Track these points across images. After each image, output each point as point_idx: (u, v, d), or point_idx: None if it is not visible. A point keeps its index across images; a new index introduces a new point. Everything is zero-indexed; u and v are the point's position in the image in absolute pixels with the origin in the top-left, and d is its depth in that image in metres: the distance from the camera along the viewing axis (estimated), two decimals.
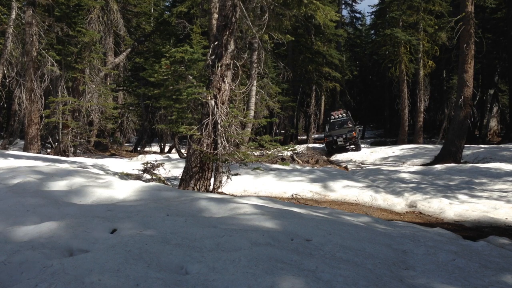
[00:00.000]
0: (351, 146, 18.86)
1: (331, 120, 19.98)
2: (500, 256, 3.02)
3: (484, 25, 23.30)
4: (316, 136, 34.16)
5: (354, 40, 40.48)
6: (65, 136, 13.01)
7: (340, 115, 19.93)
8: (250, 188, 7.39)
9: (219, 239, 2.66)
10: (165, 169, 7.84)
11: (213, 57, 5.69)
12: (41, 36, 12.22)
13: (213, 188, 5.93)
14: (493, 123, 26.24)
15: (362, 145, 20.85)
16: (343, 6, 32.02)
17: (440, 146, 15.59)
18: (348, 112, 21.34)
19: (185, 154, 12.01)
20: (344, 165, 14.50)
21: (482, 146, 18.38)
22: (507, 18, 21.66)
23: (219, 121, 5.57)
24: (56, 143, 13.64)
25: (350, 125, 19.24)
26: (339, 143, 18.08)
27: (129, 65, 21.75)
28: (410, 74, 23.61)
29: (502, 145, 17.96)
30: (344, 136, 18.19)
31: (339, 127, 19.26)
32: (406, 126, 23.14)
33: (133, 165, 9.41)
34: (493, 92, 25.93)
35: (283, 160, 12.35)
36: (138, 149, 20.26)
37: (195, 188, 5.66)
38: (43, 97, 12.45)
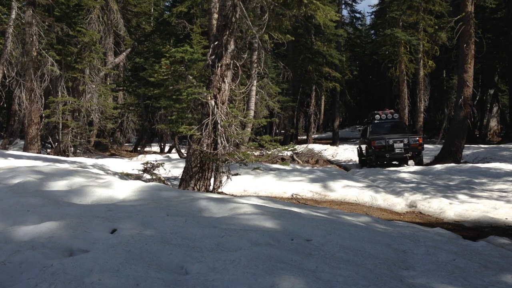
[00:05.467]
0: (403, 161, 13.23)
1: (376, 121, 14.52)
2: (500, 256, 3.02)
3: (484, 25, 23.32)
4: (316, 136, 34.17)
5: (354, 40, 40.52)
6: (65, 136, 13.01)
7: (390, 115, 14.58)
8: (250, 188, 7.39)
9: (219, 239, 2.66)
10: (165, 169, 7.84)
11: (213, 57, 5.69)
12: (41, 36, 12.22)
13: (213, 188, 5.93)
14: (493, 123, 26.26)
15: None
16: (343, 6, 32.01)
17: (440, 146, 15.60)
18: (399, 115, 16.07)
19: (185, 154, 12.01)
20: (344, 165, 14.51)
21: (482, 146, 18.39)
22: (507, 18, 21.66)
23: (219, 121, 5.57)
24: (56, 143, 13.64)
25: (405, 130, 14.07)
26: (397, 150, 12.45)
27: (129, 65, 21.77)
28: (410, 74, 23.62)
29: (502, 145, 17.97)
30: (405, 142, 12.56)
31: (390, 131, 13.84)
32: None
33: (133, 165, 9.42)
34: (493, 92, 25.95)
35: (283, 160, 12.36)
36: (138, 149, 20.26)
37: (195, 188, 5.65)
38: (43, 97, 12.45)
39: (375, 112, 14.77)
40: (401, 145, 12.43)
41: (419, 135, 13.10)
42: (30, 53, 11.83)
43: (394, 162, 13.45)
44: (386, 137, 12.75)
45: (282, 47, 20.07)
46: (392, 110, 14.75)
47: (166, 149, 20.63)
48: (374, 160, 12.83)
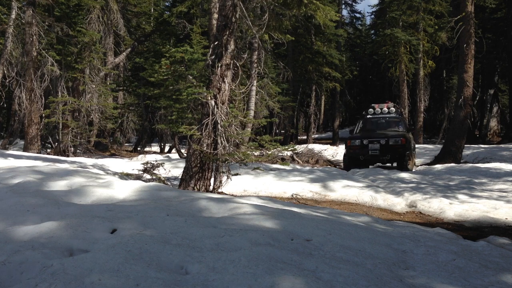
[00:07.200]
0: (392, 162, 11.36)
1: (369, 116, 12.63)
2: (500, 256, 3.02)
3: (484, 25, 23.34)
4: (316, 136, 34.19)
5: (354, 40, 40.54)
6: (65, 136, 13.02)
7: (387, 109, 12.56)
8: (250, 188, 7.39)
9: (219, 239, 2.66)
10: (165, 169, 7.84)
11: (213, 57, 5.69)
12: (41, 36, 12.23)
13: (213, 188, 5.93)
14: (493, 123, 26.27)
15: None
16: (343, 6, 32.03)
17: (440, 146, 15.61)
18: (400, 109, 13.71)
19: (185, 154, 12.01)
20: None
21: (482, 146, 18.41)
22: (507, 18, 21.68)
23: (219, 121, 5.57)
24: (56, 143, 13.65)
25: (400, 128, 11.96)
26: (371, 152, 10.74)
27: (129, 65, 21.79)
28: (410, 74, 23.64)
29: (502, 145, 17.99)
30: (382, 142, 10.69)
31: (381, 128, 12.07)
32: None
33: (133, 165, 9.41)
34: (493, 92, 25.98)
35: (283, 160, 12.35)
36: (138, 149, 20.27)
37: (195, 188, 5.66)
38: (43, 97, 12.46)
39: (372, 105, 13.01)
40: (377, 146, 10.62)
41: (402, 136, 10.96)
42: (30, 53, 11.83)
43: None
44: (364, 135, 11.19)
45: (282, 47, 20.08)
46: (390, 104, 12.92)
47: (166, 149, 20.64)
48: (348, 162, 11.31)
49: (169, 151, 19.05)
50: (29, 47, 11.81)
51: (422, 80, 23.24)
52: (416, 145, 15.46)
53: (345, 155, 11.70)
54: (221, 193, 6.01)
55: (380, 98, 36.71)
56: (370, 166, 11.84)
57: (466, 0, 12.78)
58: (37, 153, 11.79)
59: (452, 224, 5.14)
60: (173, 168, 9.10)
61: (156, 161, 8.25)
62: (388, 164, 12.11)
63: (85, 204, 3.78)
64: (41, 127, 12.81)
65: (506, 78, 26.33)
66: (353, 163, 11.27)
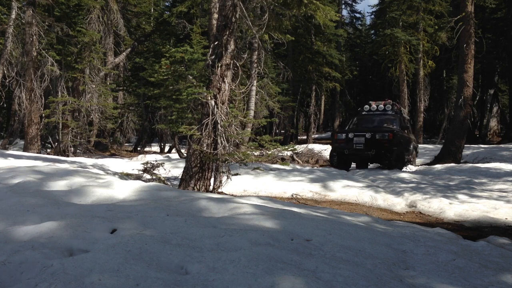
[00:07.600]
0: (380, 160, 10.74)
1: (364, 112, 12.21)
2: (500, 256, 3.02)
3: (484, 25, 23.36)
4: (316, 136, 34.20)
5: (354, 40, 40.56)
6: (65, 136, 13.02)
7: (383, 106, 12.01)
8: (250, 188, 7.39)
9: (219, 239, 2.66)
10: (165, 169, 7.84)
11: (213, 57, 5.69)
12: (41, 36, 12.23)
13: (213, 188, 5.93)
14: (493, 123, 26.28)
15: None
16: (343, 6, 32.07)
17: (440, 146, 15.62)
18: (400, 106, 13.01)
19: (185, 154, 12.01)
20: None
21: (482, 146, 18.42)
22: (507, 18, 21.69)
23: (219, 121, 5.57)
24: (56, 143, 13.65)
25: (394, 126, 11.26)
26: (356, 146, 10.26)
27: (129, 65, 21.80)
28: (410, 74, 23.65)
29: (502, 145, 18.01)
30: (368, 136, 10.21)
31: (374, 124, 11.46)
32: None
33: (133, 165, 9.42)
34: (493, 92, 25.99)
35: (283, 160, 12.35)
36: (138, 149, 20.28)
37: (195, 188, 5.66)
38: (43, 97, 12.47)
39: (369, 102, 12.67)
40: (362, 139, 10.10)
41: (390, 131, 10.37)
42: (30, 53, 11.83)
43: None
44: (351, 129, 10.91)
45: (282, 47, 20.09)
46: (388, 101, 12.37)
47: (166, 149, 20.64)
48: (336, 158, 10.94)
49: (169, 151, 19.06)
50: (29, 47, 11.82)
51: (422, 80, 23.26)
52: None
53: (332, 151, 11.34)
54: (221, 193, 6.01)
55: (380, 98, 36.63)
56: (370, 166, 11.87)
57: (466, 0, 12.79)
58: (37, 153, 11.80)
59: (452, 224, 5.14)
60: (173, 168, 9.10)
61: (156, 161, 8.25)
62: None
63: (85, 204, 3.78)
64: (41, 127, 12.81)
65: (506, 78, 26.35)
66: (338, 158, 10.93)
